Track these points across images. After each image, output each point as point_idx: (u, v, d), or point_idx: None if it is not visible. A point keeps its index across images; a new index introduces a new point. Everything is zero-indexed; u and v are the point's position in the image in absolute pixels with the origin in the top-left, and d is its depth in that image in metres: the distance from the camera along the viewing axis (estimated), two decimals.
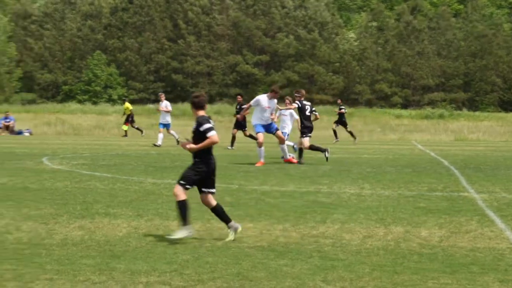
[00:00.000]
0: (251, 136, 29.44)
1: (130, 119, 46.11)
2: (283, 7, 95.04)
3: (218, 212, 9.30)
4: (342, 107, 41.12)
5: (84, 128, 54.28)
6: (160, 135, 32.80)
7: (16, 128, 52.60)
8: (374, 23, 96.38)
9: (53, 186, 14.76)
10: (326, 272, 7.49)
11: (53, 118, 62.36)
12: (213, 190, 9.30)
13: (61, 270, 7.31)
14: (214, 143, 9.10)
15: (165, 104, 33.56)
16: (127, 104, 46.57)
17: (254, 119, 22.19)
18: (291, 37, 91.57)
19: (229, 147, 31.05)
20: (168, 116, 33.50)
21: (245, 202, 12.87)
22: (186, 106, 70.84)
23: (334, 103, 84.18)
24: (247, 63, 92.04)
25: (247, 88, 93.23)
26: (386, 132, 55.25)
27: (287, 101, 24.05)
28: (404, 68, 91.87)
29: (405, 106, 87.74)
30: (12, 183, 15.09)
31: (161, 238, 9.20)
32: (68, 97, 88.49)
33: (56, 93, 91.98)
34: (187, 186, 9.09)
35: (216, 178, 9.32)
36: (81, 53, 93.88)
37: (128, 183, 15.78)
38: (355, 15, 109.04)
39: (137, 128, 46.75)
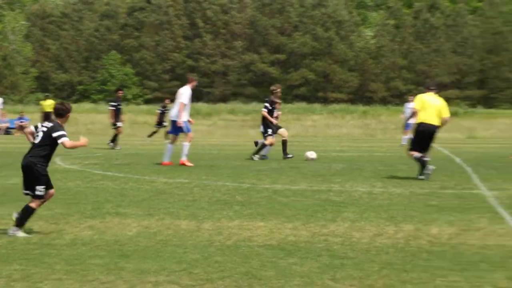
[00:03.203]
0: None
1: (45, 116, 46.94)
2: (301, 6, 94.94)
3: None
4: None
5: (98, 128, 54.42)
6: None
7: None
8: (392, 21, 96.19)
9: (65, 186, 14.79)
10: (335, 271, 7.49)
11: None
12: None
13: (70, 270, 7.34)
14: None
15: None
16: (49, 101, 46.23)
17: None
18: (307, 35, 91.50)
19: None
20: None
21: (256, 201, 12.87)
22: (201, 105, 70.99)
23: (349, 101, 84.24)
24: (263, 62, 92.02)
25: (263, 87, 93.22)
26: (400, 130, 55.12)
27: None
28: (420, 66, 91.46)
29: None
30: None
31: (171, 238, 9.22)
32: (83, 97, 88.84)
33: (71, 93, 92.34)
34: None
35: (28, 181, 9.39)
36: (97, 53, 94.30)
37: (140, 182, 15.81)
38: (372, 13, 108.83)
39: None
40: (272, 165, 21.08)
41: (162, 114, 39.01)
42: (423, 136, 16.95)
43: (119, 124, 30.30)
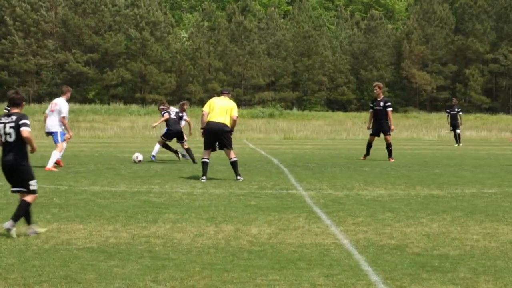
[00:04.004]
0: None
1: None
2: (114, 5, 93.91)
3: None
4: None
5: None
6: None
7: None
8: (206, 23, 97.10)
9: None
10: (156, 272, 7.47)
11: None
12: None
13: None
14: None
15: None
16: None
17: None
18: (121, 35, 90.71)
19: None
20: None
21: (75, 203, 12.64)
22: None
23: (167, 102, 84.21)
24: (77, 61, 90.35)
25: (79, 87, 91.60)
26: None
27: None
28: (236, 68, 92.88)
29: (236, 105, 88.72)
30: None
31: None
32: None
33: None
34: None
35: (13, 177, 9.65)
36: None
37: None
38: (187, 14, 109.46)
39: None
40: (89, 167, 20.76)
41: None
42: (211, 134, 17.44)
43: None
